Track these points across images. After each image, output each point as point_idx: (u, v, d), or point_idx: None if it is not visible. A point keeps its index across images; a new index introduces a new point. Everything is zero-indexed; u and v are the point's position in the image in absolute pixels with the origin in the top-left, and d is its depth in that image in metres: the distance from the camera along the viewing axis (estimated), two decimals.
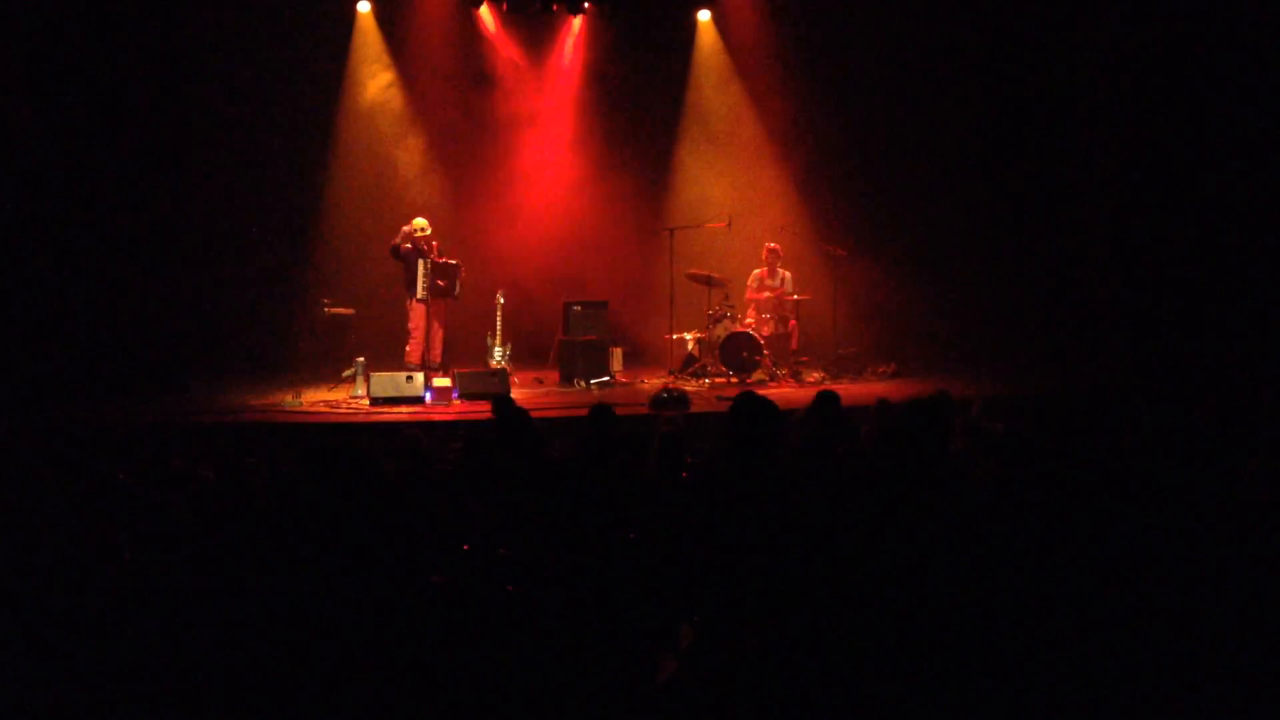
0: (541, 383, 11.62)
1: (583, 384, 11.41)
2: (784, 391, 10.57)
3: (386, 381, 10.19)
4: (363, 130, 13.08)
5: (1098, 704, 2.78)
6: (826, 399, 5.63)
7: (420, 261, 11.09)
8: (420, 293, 11.11)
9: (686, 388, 10.65)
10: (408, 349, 11.19)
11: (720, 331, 11.52)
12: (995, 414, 6.72)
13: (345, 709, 2.98)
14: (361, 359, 10.79)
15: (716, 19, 13.72)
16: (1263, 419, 6.16)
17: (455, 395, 10.29)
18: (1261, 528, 3.58)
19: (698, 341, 11.88)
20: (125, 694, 2.99)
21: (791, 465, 4.89)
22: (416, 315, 11.20)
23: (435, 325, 11.34)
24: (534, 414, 5.90)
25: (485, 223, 13.22)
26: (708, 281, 11.94)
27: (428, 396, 10.21)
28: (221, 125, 12.47)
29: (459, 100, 13.21)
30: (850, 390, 10.95)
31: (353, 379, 10.72)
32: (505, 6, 13.02)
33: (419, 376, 10.33)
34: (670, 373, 11.88)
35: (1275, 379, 9.46)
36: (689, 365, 11.79)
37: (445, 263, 11.27)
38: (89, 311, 11.16)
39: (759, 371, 11.44)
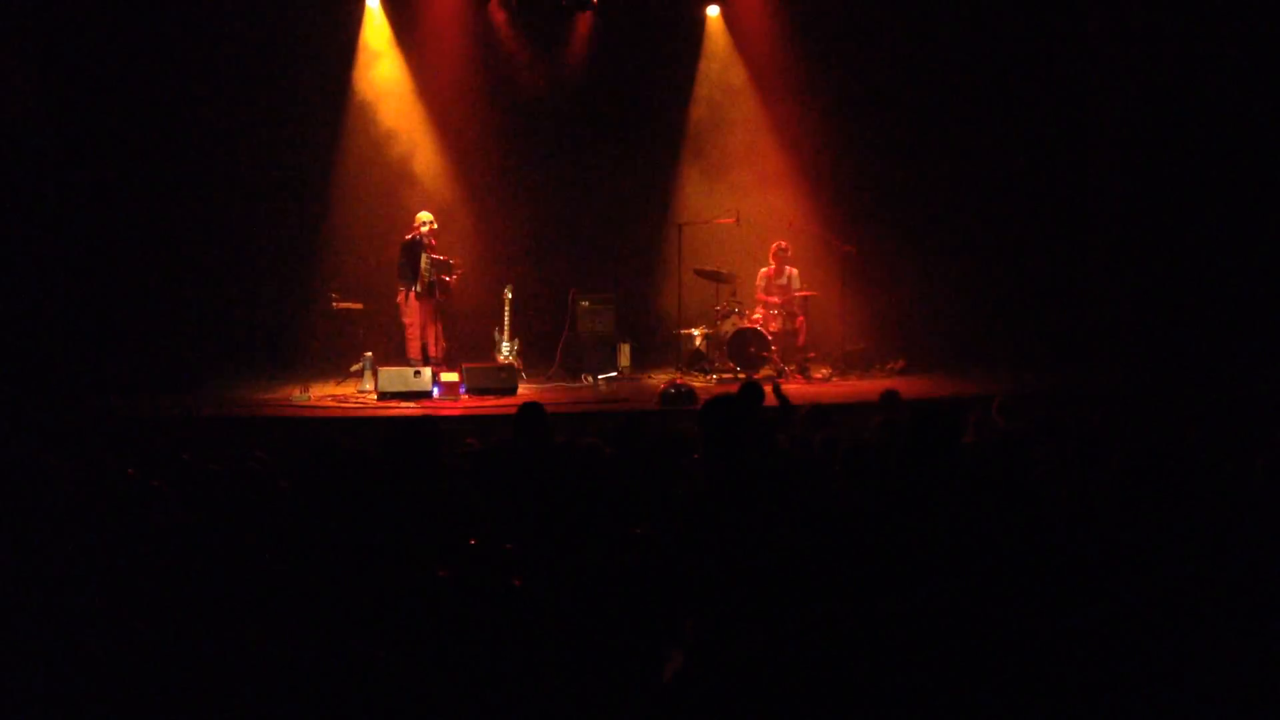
0: (550, 378, 11.63)
1: (591, 379, 11.41)
2: (791, 388, 10.56)
3: (394, 376, 10.21)
4: (371, 125, 13.07)
5: (1102, 703, 2.78)
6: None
7: (424, 256, 11.06)
8: (419, 287, 11.05)
9: (694, 384, 10.65)
10: (408, 345, 11.14)
11: (728, 327, 11.51)
12: (1006, 412, 6.71)
13: (350, 704, 2.99)
14: (370, 354, 10.82)
15: (725, 14, 13.71)
16: (1267, 418, 6.15)
17: (463, 390, 10.31)
18: (1265, 526, 3.57)
19: (705, 337, 11.88)
20: (130, 690, 3.01)
21: (798, 459, 4.90)
22: (413, 311, 11.12)
23: (436, 320, 11.28)
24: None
25: (493, 218, 13.21)
26: (716, 277, 11.93)
27: (435, 391, 10.23)
28: (230, 120, 12.48)
29: (467, 95, 13.19)
30: (858, 387, 10.96)
31: (361, 374, 10.75)
32: (514, 1, 13.00)
33: (426, 371, 10.34)
34: (677, 369, 11.88)
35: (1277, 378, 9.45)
36: (697, 361, 11.79)
37: (444, 260, 11.23)
38: (99, 307, 11.21)
39: (766, 368, 11.44)
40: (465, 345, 11.92)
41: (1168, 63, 11.94)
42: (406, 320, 11.15)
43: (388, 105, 13.09)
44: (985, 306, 12.89)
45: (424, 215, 11.26)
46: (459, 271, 11.35)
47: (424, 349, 11.11)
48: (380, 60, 13.07)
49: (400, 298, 11.14)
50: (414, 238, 11.10)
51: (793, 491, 4.07)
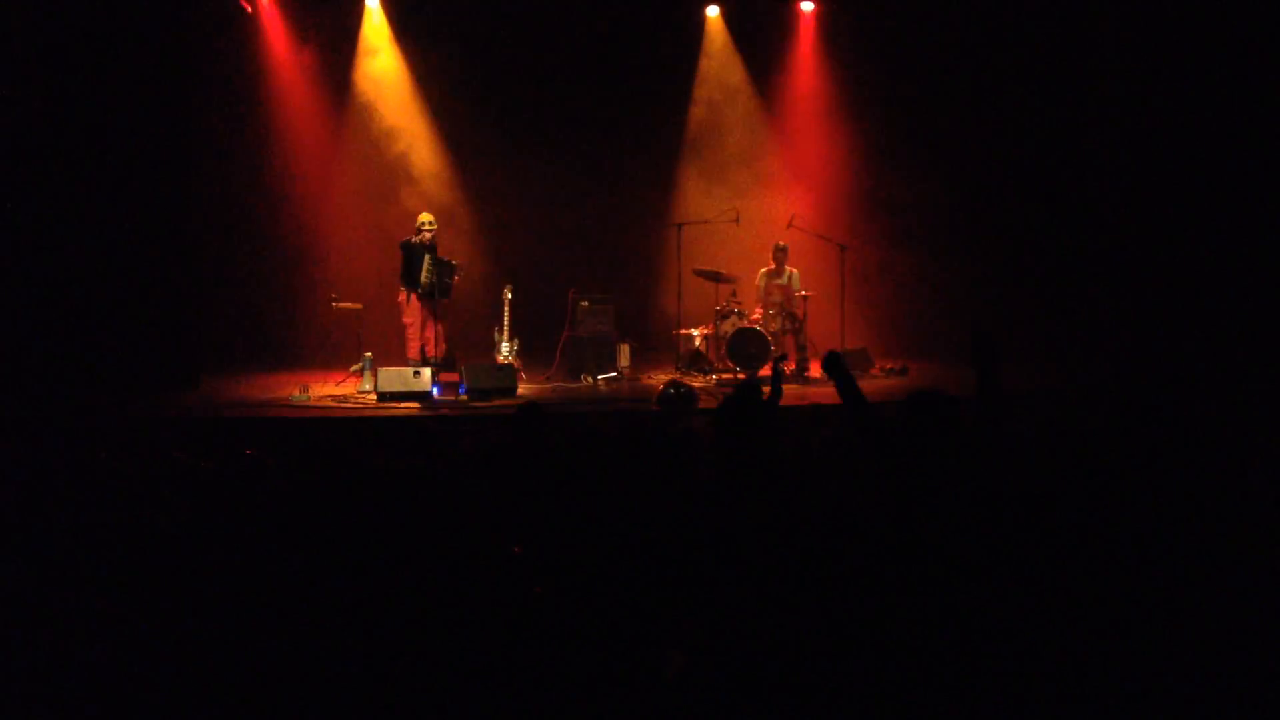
0: (549, 379, 11.62)
1: (590, 379, 11.41)
2: (791, 388, 10.57)
3: (394, 376, 10.20)
4: (371, 124, 13.08)
5: (1097, 704, 2.78)
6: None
7: (426, 256, 11.04)
8: (423, 289, 11.03)
9: (693, 384, 10.65)
10: (408, 345, 11.13)
11: (728, 327, 11.51)
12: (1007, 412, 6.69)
13: (349, 705, 2.99)
14: (369, 354, 10.82)
15: (725, 14, 13.72)
16: (1265, 418, 6.15)
17: (463, 390, 10.31)
18: (1262, 527, 3.58)
19: (705, 337, 11.88)
20: (127, 688, 3.00)
21: (798, 460, 4.89)
22: (413, 311, 11.10)
23: (434, 321, 11.27)
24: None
25: (493, 218, 13.22)
26: (715, 278, 11.93)
27: (435, 391, 10.23)
28: (229, 119, 12.48)
29: (467, 94, 13.20)
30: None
31: (360, 374, 10.76)
32: None
33: (426, 371, 10.33)
34: (676, 369, 11.88)
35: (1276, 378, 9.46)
36: (696, 361, 11.78)
37: (448, 262, 11.21)
38: (98, 306, 11.19)
39: (765, 368, 11.43)
40: (465, 345, 11.91)
41: (1167, 64, 11.95)
42: (407, 320, 11.13)
43: (387, 105, 13.10)
44: (985, 306, 12.90)
45: (424, 216, 11.25)
46: (462, 273, 11.34)
47: (422, 349, 11.09)
48: (380, 59, 13.09)
49: (401, 298, 11.13)
50: (415, 239, 11.08)
51: (794, 491, 4.07)
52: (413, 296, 11.06)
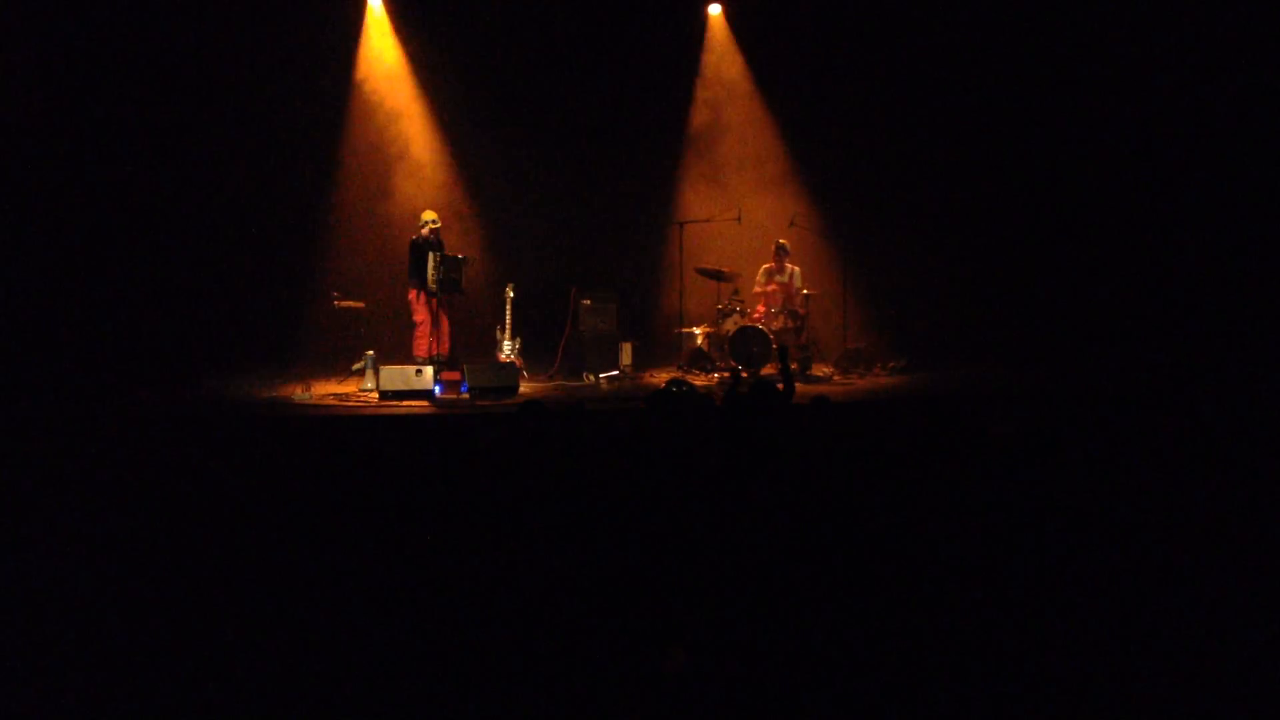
0: (551, 377, 11.63)
1: (592, 378, 11.41)
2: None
3: (396, 375, 10.21)
4: (373, 122, 13.08)
5: (1097, 703, 2.78)
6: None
7: (431, 255, 11.04)
8: (431, 286, 11.04)
9: (696, 382, 10.65)
10: (415, 342, 11.15)
11: (729, 326, 11.51)
12: (1004, 410, 6.71)
13: (350, 703, 2.99)
14: (371, 352, 10.82)
15: (727, 13, 13.71)
16: (1263, 417, 6.15)
17: (464, 388, 10.31)
18: (1261, 526, 3.57)
19: (707, 336, 11.88)
20: (128, 685, 3.01)
21: (799, 459, 4.89)
22: (423, 308, 11.17)
23: (443, 319, 11.28)
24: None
25: (495, 216, 13.22)
26: (717, 276, 11.93)
27: (437, 389, 10.23)
28: (232, 118, 12.48)
29: (470, 92, 13.19)
30: (859, 385, 10.96)
31: (362, 372, 10.76)
32: None
33: (428, 370, 10.33)
34: (678, 367, 11.89)
35: (1275, 377, 9.46)
36: (698, 360, 11.79)
37: (455, 257, 11.23)
38: (100, 305, 11.20)
39: (767, 366, 11.44)
40: (467, 344, 11.91)
41: (1166, 64, 11.96)
42: (417, 319, 11.12)
43: (389, 103, 13.09)
44: (986, 305, 12.90)
45: (428, 214, 11.25)
46: (470, 266, 11.32)
47: (431, 347, 11.10)
48: (381, 57, 13.07)
49: (411, 295, 11.14)
50: (421, 237, 11.08)
51: (798, 491, 4.07)
52: (422, 295, 11.06)
